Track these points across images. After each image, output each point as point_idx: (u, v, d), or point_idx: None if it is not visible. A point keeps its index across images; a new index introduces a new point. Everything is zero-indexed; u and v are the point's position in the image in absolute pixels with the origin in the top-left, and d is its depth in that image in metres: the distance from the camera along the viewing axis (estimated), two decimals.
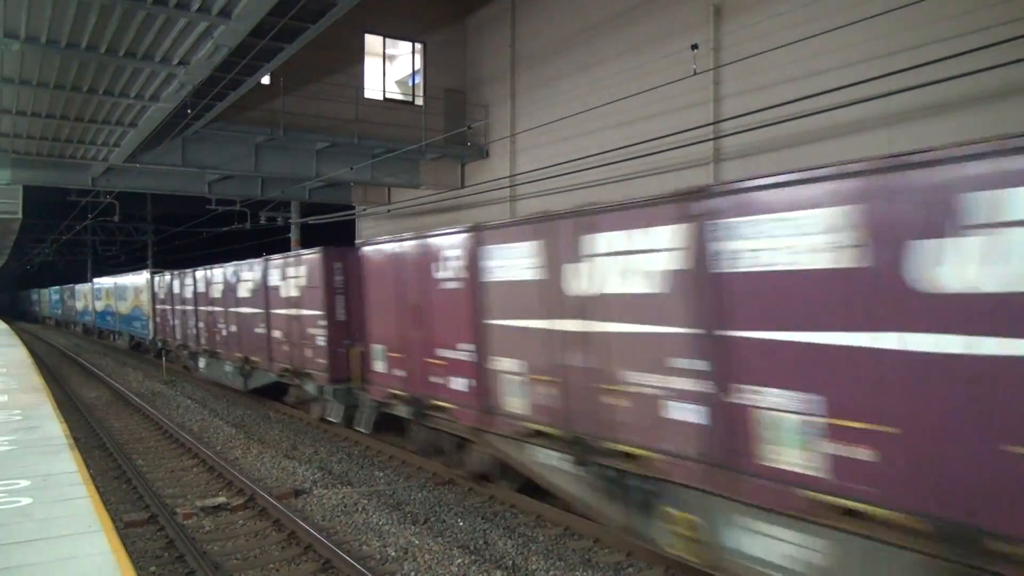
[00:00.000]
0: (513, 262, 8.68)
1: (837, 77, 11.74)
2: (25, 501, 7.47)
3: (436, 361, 10.24)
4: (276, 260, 16.80)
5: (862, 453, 5.18)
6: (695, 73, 13.19)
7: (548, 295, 8.07)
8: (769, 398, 5.76)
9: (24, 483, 8.15)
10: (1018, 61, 7.55)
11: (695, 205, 6.38)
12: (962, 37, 10.12)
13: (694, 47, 13.48)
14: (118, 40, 11.68)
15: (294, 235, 29.42)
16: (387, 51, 22.27)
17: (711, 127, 14.39)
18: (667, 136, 12.47)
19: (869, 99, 9.84)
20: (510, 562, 7.99)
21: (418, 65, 22.73)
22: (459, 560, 7.93)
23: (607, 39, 17.93)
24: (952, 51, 8.51)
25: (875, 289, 5.09)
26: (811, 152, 12.71)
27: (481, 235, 9.30)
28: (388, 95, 22.09)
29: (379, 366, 11.94)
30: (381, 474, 11.82)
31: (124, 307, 35.88)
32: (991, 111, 10.64)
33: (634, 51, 17.05)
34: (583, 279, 7.56)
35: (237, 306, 19.31)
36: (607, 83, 17.47)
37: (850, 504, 5.25)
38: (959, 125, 10.86)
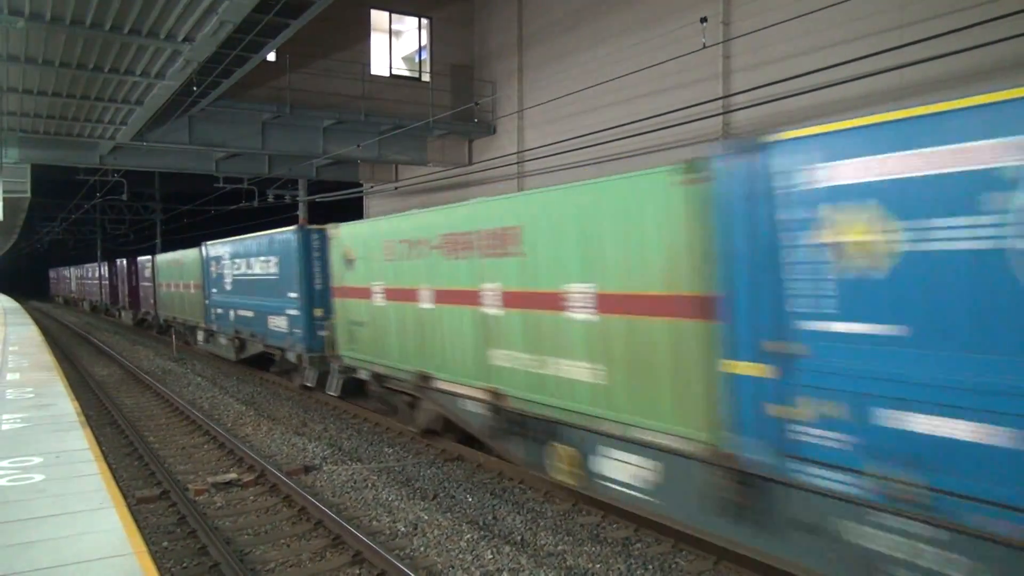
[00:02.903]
0: None
1: (849, 50, 11.59)
2: (38, 478, 7.54)
3: None
4: None
5: None
6: (704, 47, 13.04)
7: None
8: None
9: (37, 460, 8.22)
10: None
11: None
12: (977, 8, 9.95)
13: (703, 20, 13.32)
14: (123, 17, 11.64)
15: (302, 213, 29.41)
16: (393, 26, 22.11)
17: (720, 102, 14.25)
18: (676, 111, 12.36)
19: (881, 72, 9.71)
20: (519, 537, 8.04)
21: (424, 41, 22.57)
22: (468, 535, 7.98)
23: (615, 13, 17.72)
24: (966, 22, 8.37)
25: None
26: None
27: None
28: (395, 71, 21.96)
29: None
30: (390, 451, 11.89)
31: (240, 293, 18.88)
32: (1005, 83, 10.48)
33: (642, 25, 16.86)
34: None
35: None
36: (615, 58, 17.31)
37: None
38: None
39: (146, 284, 32.90)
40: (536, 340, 8.25)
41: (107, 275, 43.59)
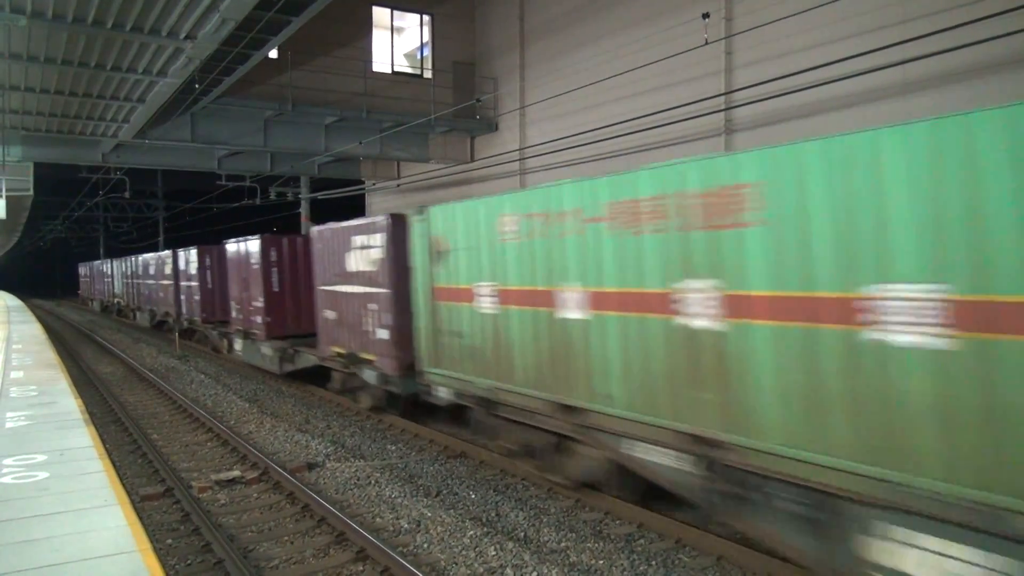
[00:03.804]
0: None
1: (852, 45, 11.56)
2: (42, 476, 7.56)
3: None
4: None
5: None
6: (706, 43, 13.01)
7: None
8: None
9: (41, 458, 8.24)
10: None
11: None
12: (979, 4, 9.91)
13: (705, 16, 13.28)
14: (124, 14, 11.62)
15: (304, 211, 29.43)
16: (395, 23, 22.08)
17: (723, 98, 14.23)
18: (678, 107, 12.34)
19: (884, 67, 9.68)
20: (522, 534, 8.05)
21: (426, 37, 22.54)
22: (471, 532, 7.99)
23: (617, 9, 17.68)
24: (969, 17, 8.34)
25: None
26: (826, 122, 12.56)
27: None
28: (396, 68, 21.93)
29: None
30: (393, 447, 11.90)
31: None
32: (1008, 78, 10.45)
33: (645, 21, 16.82)
34: None
35: None
36: (617, 54, 17.27)
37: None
38: (976, 93, 10.68)
39: (354, 291, 13.61)
40: None
41: (193, 270, 25.15)
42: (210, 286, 24.11)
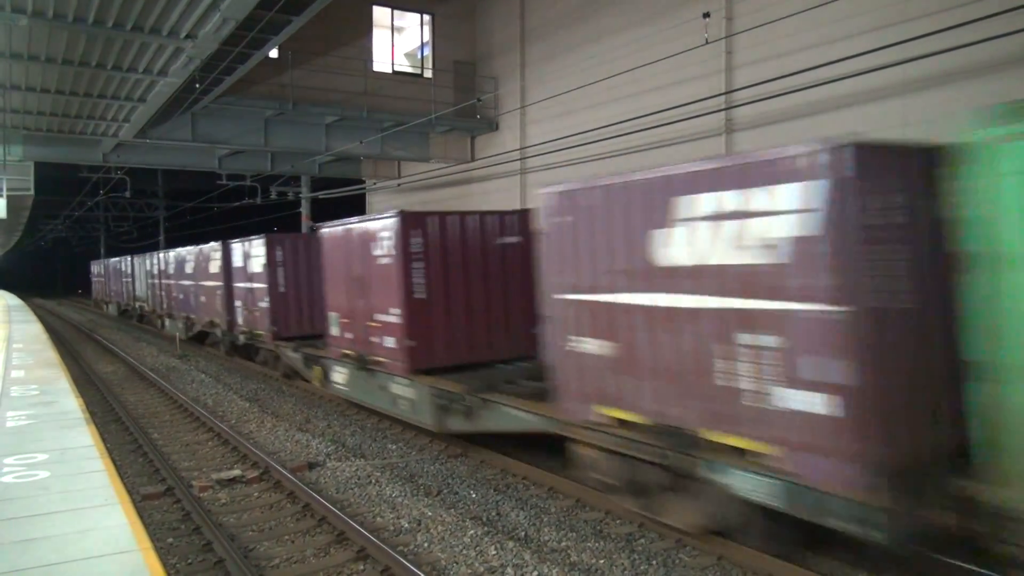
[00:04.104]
0: None
1: (853, 45, 11.56)
2: (43, 475, 7.56)
3: None
4: None
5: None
6: (707, 42, 13.02)
7: None
8: None
9: (41, 457, 8.24)
10: None
11: None
12: (979, 3, 9.92)
13: (706, 15, 13.30)
14: (125, 14, 11.64)
15: (305, 210, 29.45)
16: (395, 23, 22.09)
17: (723, 97, 14.23)
18: (679, 107, 12.36)
19: (885, 67, 9.69)
20: (523, 533, 8.06)
21: (427, 37, 22.54)
22: (472, 531, 8.00)
23: (618, 9, 17.68)
24: (969, 16, 8.35)
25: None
26: (827, 122, 12.55)
27: None
28: (397, 68, 21.94)
29: None
30: (394, 447, 11.90)
31: None
32: (1009, 77, 10.45)
33: (646, 21, 16.82)
34: None
35: None
36: (618, 54, 17.26)
37: None
38: (976, 92, 10.68)
39: (680, 305, 7.03)
40: None
41: (257, 267, 19.11)
42: (283, 289, 18.32)
